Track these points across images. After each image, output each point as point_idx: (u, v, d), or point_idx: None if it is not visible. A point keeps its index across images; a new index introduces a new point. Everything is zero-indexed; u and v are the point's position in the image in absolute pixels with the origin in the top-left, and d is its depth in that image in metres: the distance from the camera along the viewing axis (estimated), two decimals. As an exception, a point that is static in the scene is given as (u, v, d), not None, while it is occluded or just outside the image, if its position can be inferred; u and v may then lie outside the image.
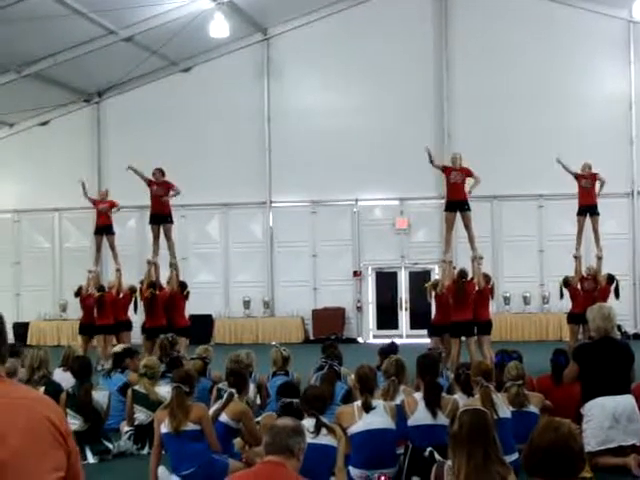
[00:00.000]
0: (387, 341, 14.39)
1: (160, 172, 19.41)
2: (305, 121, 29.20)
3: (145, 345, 18.71)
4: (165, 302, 19.15)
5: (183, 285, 19.83)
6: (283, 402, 8.82)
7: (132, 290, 20.90)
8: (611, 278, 19.12)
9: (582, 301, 18.43)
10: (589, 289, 18.98)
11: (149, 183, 19.40)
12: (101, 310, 20.74)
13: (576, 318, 18.82)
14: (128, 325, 21.26)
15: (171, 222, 19.78)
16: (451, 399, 9.22)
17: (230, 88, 29.57)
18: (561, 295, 19.93)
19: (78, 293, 21.52)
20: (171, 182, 19.41)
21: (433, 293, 18.39)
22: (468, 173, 18.08)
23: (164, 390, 10.74)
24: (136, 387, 11.28)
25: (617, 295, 19.01)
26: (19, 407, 2.72)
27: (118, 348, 14.19)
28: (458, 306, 17.17)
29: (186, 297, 19.80)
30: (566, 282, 19.48)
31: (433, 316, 19.18)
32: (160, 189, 19.28)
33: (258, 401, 12.00)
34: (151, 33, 26.11)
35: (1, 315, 2.95)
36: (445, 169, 18.42)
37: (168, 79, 30.09)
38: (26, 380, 11.62)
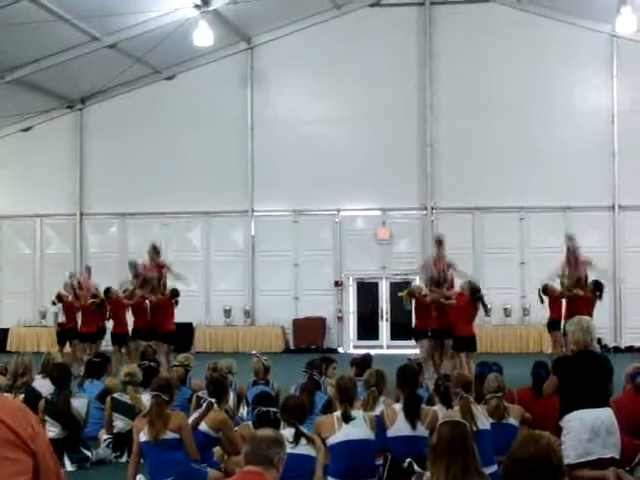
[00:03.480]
0: (368, 351, 14.42)
1: (155, 252, 19.35)
2: (288, 130, 29.17)
3: (113, 351, 18.75)
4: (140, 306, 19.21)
5: (174, 292, 19.71)
6: (259, 411, 8.81)
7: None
8: (598, 286, 18.79)
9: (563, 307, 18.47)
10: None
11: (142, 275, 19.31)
12: (96, 315, 20.56)
13: (556, 324, 18.78)
14: (103, 332, 21.13)
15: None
16: (430, 410, 9.23)
17: (213, 96, 29.55)
18: (541, 300, 19.72)
19: (60, 298, 21.41)
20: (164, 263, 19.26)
21: (413, 300, 18.44)
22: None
23: (144, 398, 10.71)
24: (115, 395, 11.23)
25: (600, 296, 18.63)
26: None
27: (96, 358, 14.20)
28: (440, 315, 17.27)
29: (174, 304, 19.71)
30: (545, 289, 19.45)
31: (414, 320, 19.07)
32: (153, 273, 19.24)
33: (242, 410, 11.99)
34: (135, 40, 26.06)
35: None
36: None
37: (151, 87, 30.01)
38: (9, 387, 11.58)
